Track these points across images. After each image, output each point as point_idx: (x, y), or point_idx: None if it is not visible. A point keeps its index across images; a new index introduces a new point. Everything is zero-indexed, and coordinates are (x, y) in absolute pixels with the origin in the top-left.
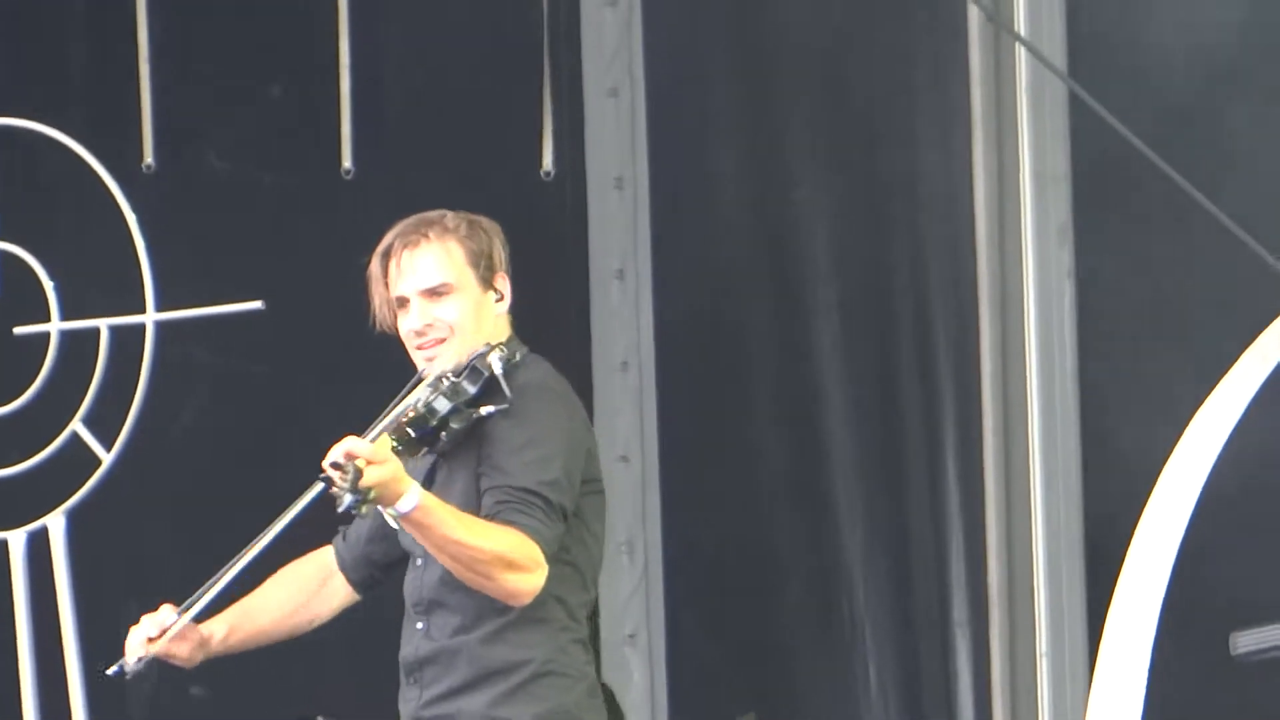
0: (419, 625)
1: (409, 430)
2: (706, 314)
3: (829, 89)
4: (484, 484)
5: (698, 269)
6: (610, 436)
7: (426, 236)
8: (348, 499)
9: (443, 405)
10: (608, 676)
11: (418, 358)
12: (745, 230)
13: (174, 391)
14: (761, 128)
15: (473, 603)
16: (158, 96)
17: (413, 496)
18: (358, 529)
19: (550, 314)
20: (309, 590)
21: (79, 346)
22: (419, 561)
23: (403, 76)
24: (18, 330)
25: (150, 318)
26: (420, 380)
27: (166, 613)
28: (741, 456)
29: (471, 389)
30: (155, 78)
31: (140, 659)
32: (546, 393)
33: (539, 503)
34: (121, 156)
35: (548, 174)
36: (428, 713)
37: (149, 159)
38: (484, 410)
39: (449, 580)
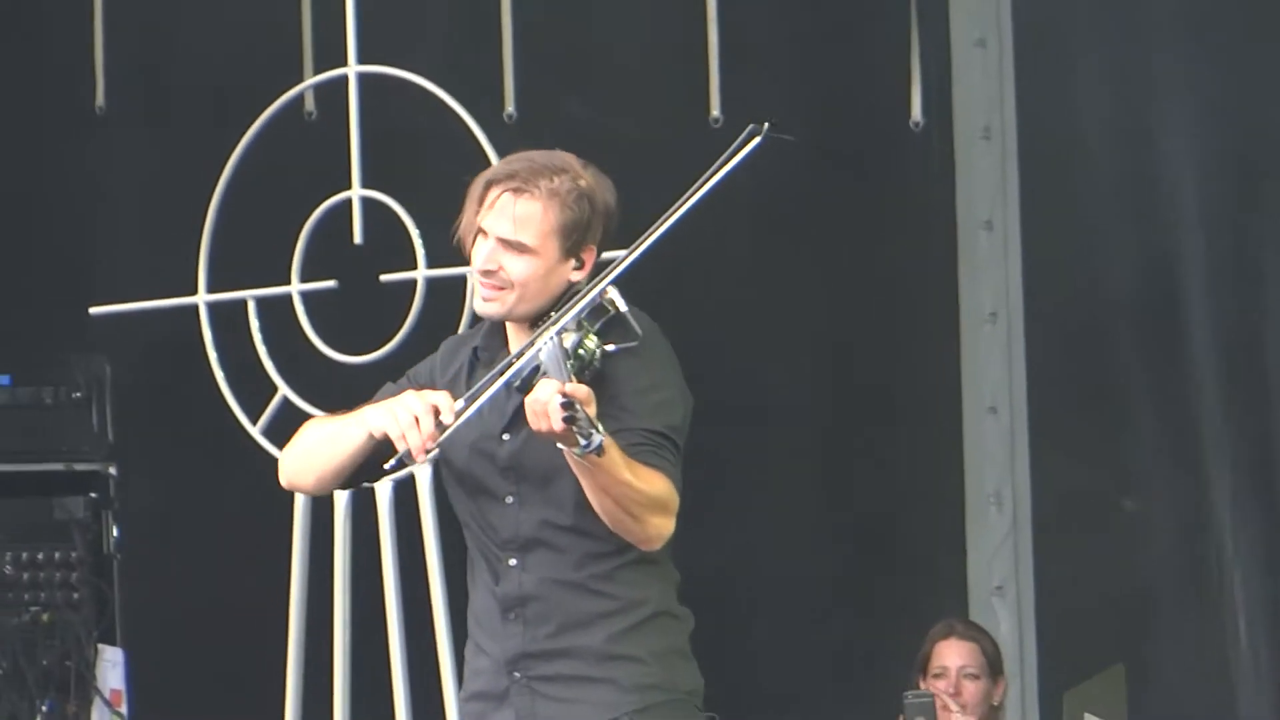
0: (512, 563)
1: (578, 372)
2: (1075, 265)
3: (1198, 35)
4: (609, 425)
5: (1066, 220)
6: (978, 388)
7: (531, 191)
8: (595, 439)
9: (592, 343)
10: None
11: (476, 290)
12: (1113, 181)
13: None
14: (1130, 76)
15: (580, 542)
16: (519, 45)
17: (599, 434)
18: None
19: (918, 264)
20: None
21: (445, 294)
22: (509, 500)
23: (771, 25)
24: (384, 278)
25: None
26: (543, 326)
27: (446, 401)
28: (1110, 407)
29: (598, 326)
30: (517, 25)
31: (429, 452)
32: (660, 336)
33: (669, 445)
34: (483, 105)
35: (917, 124)
36: (537, 646)
37: (510, 108)
38: (609, 348)
39: (553, 521)
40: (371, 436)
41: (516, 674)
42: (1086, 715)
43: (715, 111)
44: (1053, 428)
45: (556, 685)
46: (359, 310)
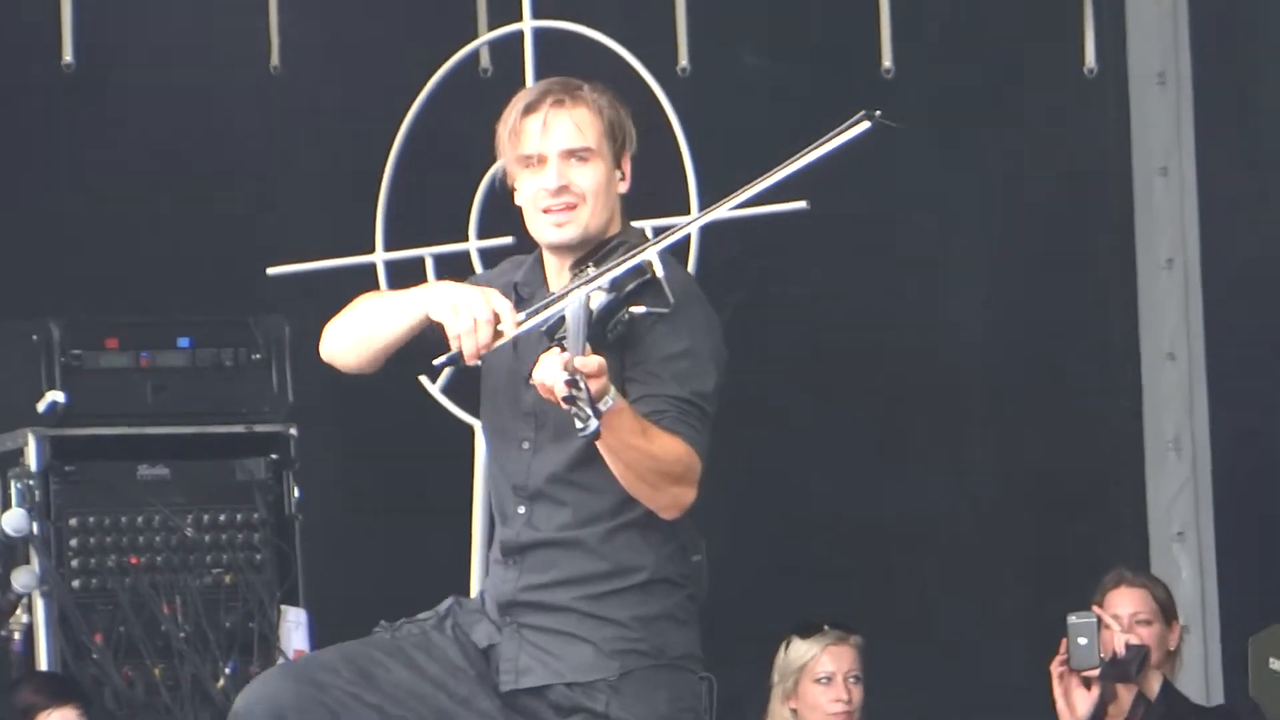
0: (520, 511)
1: (595, 332)
2: (1252, 209)
3: None
4: (635, 390)
5: (1243, 164)
6: (1156, 334)
7: (574, 99)
8: (592, 424)
9: (615, 306)
10: (1156, 572)
11: (542, 221)
12: None
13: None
14: None
15: (587, 500)
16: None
17: (609, 399)
18: None
19: (1095, 211)
20: None
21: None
22: (525, 445)
23: None
24: None
25: (693, 219)
26: (581, 278)
27: (508, 311)
28: None
29: (631, 287)
30: None
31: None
32: (698, 299)
33: (695, 413)
34: (657, 60)
35: (1091, 71)
36: (527, 596)
37: (684, 61)
38: (638, 310)
39: (561, 477)
40: (427, 319)
41: (508, 619)
42: (1272, 660)
43: (886, 62)
44: (1231, 373)
45: (543, 636)
46: None
